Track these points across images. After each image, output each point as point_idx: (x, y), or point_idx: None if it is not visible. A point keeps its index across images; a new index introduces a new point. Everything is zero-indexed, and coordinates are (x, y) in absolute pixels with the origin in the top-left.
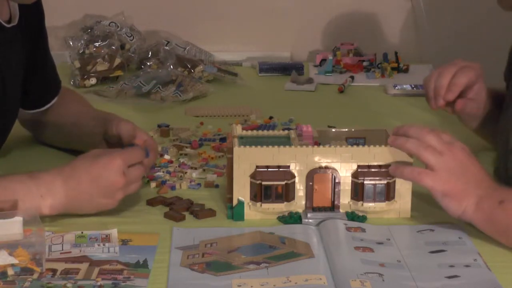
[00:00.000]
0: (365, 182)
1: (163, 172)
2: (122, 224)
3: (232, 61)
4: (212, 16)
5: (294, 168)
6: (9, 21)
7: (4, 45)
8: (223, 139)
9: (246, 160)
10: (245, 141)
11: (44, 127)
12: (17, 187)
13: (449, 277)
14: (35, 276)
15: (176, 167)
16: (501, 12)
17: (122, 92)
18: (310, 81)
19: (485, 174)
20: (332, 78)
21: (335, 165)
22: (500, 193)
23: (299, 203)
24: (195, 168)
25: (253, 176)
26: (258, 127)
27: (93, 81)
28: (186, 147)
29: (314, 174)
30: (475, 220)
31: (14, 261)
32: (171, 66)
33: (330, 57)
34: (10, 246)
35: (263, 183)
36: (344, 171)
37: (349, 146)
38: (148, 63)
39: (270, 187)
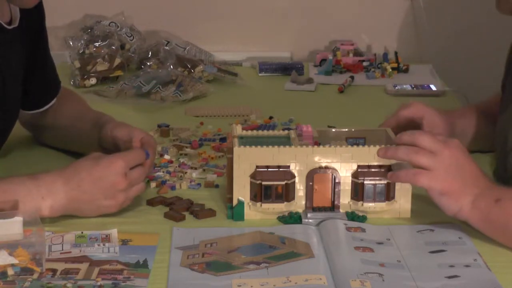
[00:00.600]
0: (365, 182)
1: (163, 172)
2: (122, 224)
3: (232, 61)
4: (212, 16)
5: (294, 168)
6: (9, 23)
7: (4, 46)
8: (223, 139)
9: (246, 160)
10: (245, 141)
11: (42, 128)
12: (17, 188)
13: (449, 277)
14: (35, 276)
15: (176, 167)
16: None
17: (122, 92)
18: (310, 81)
19: (480, 172)
20: (332, 78)
21: (335, 165)
22: (497, 192)
23: (299, 203)
24: (195, 168)
25: (253, 176)
26: (258, 127)
27: (93, 81)
28: (186, 147)
29: (314, 174)
30: (471, 218)
31: (14, 261)
32: (171, 66)
33: (330, 57)
34: (10, 246)
35: (263, 183)
36: (344, 171)
37: (349, 146)
38: (148, 63)
39: (270, 187)
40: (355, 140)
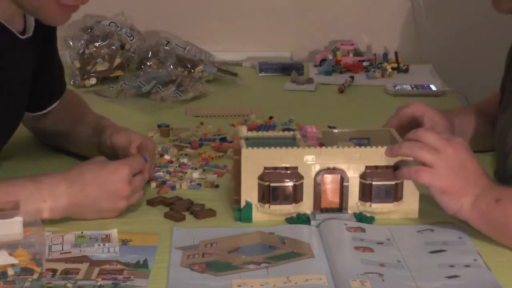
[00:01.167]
0: (373, 182)
1: (163, 172)
2: (122, 224)
3: (232, 61)
4: (212, 16)
5: (302, 169)
6: (23, 31)
7: (15, 55)
8: (223, 139)
9: (254, 162)
10: (251, 142)
11: (44, 130)
12: (19, 191)
13: (449, 277)
14: (35, 276)
15: (176, 167)
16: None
17: (122, 92)
18: (310, 81)
19: (482, 171)
20: (332, 78)
21: (343, 166)
22: (497, 192)
23: (307, 204)
24: (195, 168)
25: (261, 177)
26: (258, 127)
27: (93, 81)
28: (186, 147)
29: (322, 175)
30: (471, 218)
31: (14, 261)
32: (171, 66)
33: (330, 57)
34: (10, 246)
35: (271, 184)
36: (352, 172)
37: (357, 147)
38: (148, 63)
39: (278, 188)
40: (359, 140)
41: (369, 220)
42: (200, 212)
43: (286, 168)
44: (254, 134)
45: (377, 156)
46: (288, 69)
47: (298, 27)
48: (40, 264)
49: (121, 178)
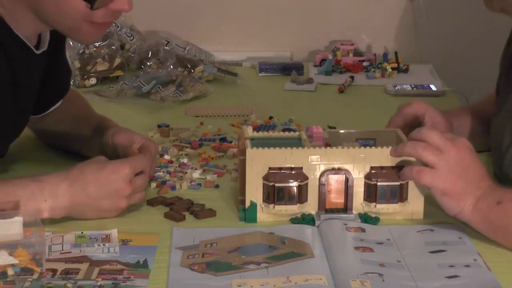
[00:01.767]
0: (378, 183)
1: (163, 172)
2: (122, 224)
3: (232, 61)
4: (212, 16)
5: (307, 169)
6: (37, 45)
7: (30, 69)
8: (223, 139)
9: (259, 162)
10: (256, 143)
11: (45, 130)
12: (20, 191)
13: (449, 277)
14: (35, 276)
15: (176, 167)
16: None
17: (122, 92)
18: (310, 81)
19: (485, 173)
20: (332, 78)
21: (348, 167)
22: (498, 194)
23: (312, 204)
24: (195, 168)
25: (266, 177)
26: (258, 127)
27: (93, 81)
28: (186, 147)
29: (327, 176)
30: (473, 220)
31: (14, 261)
32: (171, 66)
33: (330, 57)
34: (10, 246)
35: (276, 184)
36: (357, 173)
37: (362, 148)
38: (148, 63)
39: (283, 188)
40: (365, 141)
41: (374, 221)
42: (200, 212)
43: (291, 169)
44: (259, 134)
45: (382, 156)
46: (288, 69)
47: (298, 27)
48: (40, 264)
49: (122, 178)
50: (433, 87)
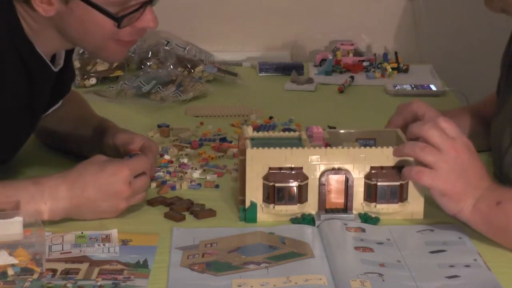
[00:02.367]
0: (378, 183)
1: (163, 172)
2: (122, 224)
3: (232, 61)
4: (212, 16)
5: (307, 169)
6: (52, 60)
7: (48, 85)
8: (223, 139)
9: (259, 162)
10: (256, 143)
11: (45, 130)
12: (20, 194)
13: (449, 277)
14: (35, 276)
15: (176, 167)
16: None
17: (122, 92)
18: (310, 81)
19: (485, 173)
20: (332, 78)
21: (348, 167)
22: (498, 194)
23: (312, 204)
24: (195, 168)
25: (266, 177)
26: (258, 127)
27: (93, 81)
28: (186, 147)
29: (327, 176)
30: (472, 220)
31: (14, 261)
32: (171, 66)
33: (330, 57)
34: (10, 246)
35: (276, 184)
36: (357, 173)
37: (362, 148)
38: (148, 63)
39: (283, 188)
40: (365, 141)
41: (374, 221)
42: (200, 212)
43: (291, 169)
44: (259, 134)
45: (382, 156)
46: (288, 69)
47: (298, 27)
48: (40, 264)
49: (121, 180)
50: (433, 87)
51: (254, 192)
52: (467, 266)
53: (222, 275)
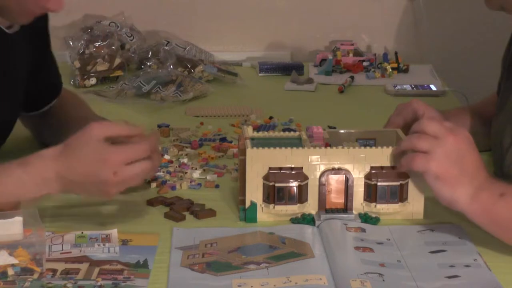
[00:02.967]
0: (378, 183)
1: (163, 172)
2: (122, 224)
3: (232, 61)
4: (212, 16)
5: (307, 169)
6: (11, 25)
7: (4, 50)
8: (223, 139)
9: (259, 162)
10: (257, 143)
11: (42, 129)
12: (6, 178)
13: (449, 277)
14: (35, 276)
15: (176, 167)
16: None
17: (122, 92)
18: (310, 81)
19: (482, 166)
20: (332, 78)
21: (348, 167)
22: (500, 186)
23: (312, 204)
24: (195, 168)
25: (266, 177)
26: (258, 127)
27: (93, 81)
28: (186, 147)
29: (327, 176)
30: (471, 211)
31: (14, 261)
32: (171, 66)
33: (330, 57)
34: (10, 246)
35: (276, 184)
36: (357, 173)
37: (362, 148)
38: (148, 63)
39: (283, 188)
40: (366, 141)
41: (374, 221)
42: (200, 212)
43: (291, 169)
44: (259, 134)
45: (382, 156)
46: (288, 69)
47: (298, 27)
48: (40, 264)
49: (106, 170)
50: (433, 87)
51: (254, 192)
52: (467, 266)
53: (222, 275)
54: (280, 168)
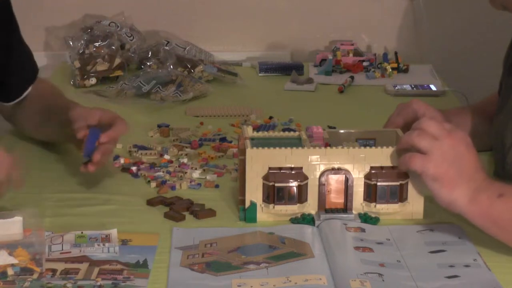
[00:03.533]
0: (378, 183)
1: (163, 172)
2: (122, 224)
3: (232, 61)
4: (212, 16)
5: (307, 169)
6: None
7: None
8: (223, 139)
9: (259, 162)
10: (256, 143)
11: (21, 120)
12: None
13: (449, 277)
14: (35, 276)
15: (176, 167)
16: (501, 11)
17: (122, 92)
18: (310, 81)
19: (480, 167)
20: (332, 78)
21: (348, 167)
22: (498, 187)
23: (312, 204)
24: (195, 168)
25: (266, 177)
26: (258, 127)
27: (93, 81)
28: (186, 147)
29: (327, 176)
30: (470, 212)
31: (14, 261)
32: (171, 66)
33: (330, 57)
34: (10, 246)
35: (276, 184)
36: (357, 173)
37: (362, 148)
38: (148, 63)
39: (283, 188)
40: (365, 141)
41: (374, 221)
42: (200, 212)
43: (291, 169)
44: (259, 134)
45: (382, 156)
46: (288, 69)
47: (298, 27)
48: (40, 264)
49: None
50: (433, 87)
51: (254, 192)
52: (466, 266)
53: (222, 275)
54: (280, 168)
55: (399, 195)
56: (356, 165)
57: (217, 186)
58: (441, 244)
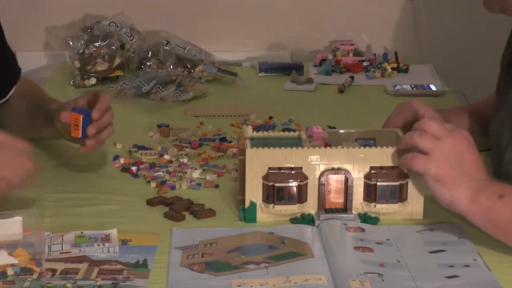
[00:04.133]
0: (378, 183)
1: (163, 172)
2: (122, 224)
3: (232, 61)
4: (212, 16)
5: (306, 169)
6: None
7: None
8: (223, 139)
9: (259, 162)
10: (256, 143)
11: (8, 120)
12: None
13: (449, 277)
14: (35, 276)
15: (176, 167)
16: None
17: (122, 92)
18: (310, 81)
19: (482, 167)
20: (332, 78)
21: (348, 167)
22: (500, 187)
23: (311, 204)
24: (195, 168)
25: (265, 177)
26: (258, 127)
27: (93, 81)
28: (186, 147)
29: (326, 176)
30: (470, 212)
31: (14, 261)
32: (171, 66)
33: (330, 57)
34: (10, 246)
35: (276, 184)
36: (357, 173)
37: (362, 148)
38: (148, 63)
39: (283, 188)
40: (365, 141)
41: (374, 221)
42: (200, 212)
43: (291, 169)
44: (259, 134)
45: (382, 156)
46: (288, 69)
47: (298, 27)
48: (40, 264)
49: None
50: (433, 87)
51: (253, 192)
52: (466, 266)
53: (221, 275)
54: (280, 168)
55: (399, 195)
56: (356, 165)
57: (217, 186)
58: (441, 244)
